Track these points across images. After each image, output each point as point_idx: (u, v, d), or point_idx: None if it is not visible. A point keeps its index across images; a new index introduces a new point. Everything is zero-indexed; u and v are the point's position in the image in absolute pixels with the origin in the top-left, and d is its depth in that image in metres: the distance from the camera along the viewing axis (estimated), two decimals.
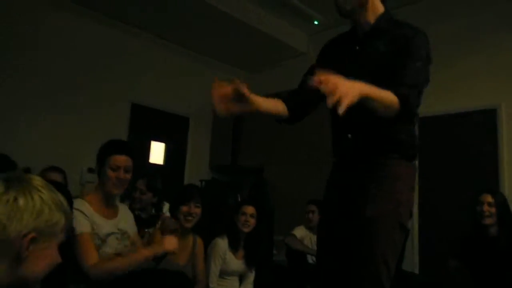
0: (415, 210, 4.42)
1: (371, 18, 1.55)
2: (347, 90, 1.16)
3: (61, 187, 1.94)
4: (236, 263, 2.86)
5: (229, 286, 2.85)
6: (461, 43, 4.41)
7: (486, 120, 4.15)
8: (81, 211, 1.80)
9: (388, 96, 1.33)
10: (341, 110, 1.13)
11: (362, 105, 1.24)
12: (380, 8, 1.58)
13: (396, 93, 1.34)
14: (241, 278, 2.95)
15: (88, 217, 1.81)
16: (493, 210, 2.66)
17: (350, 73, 1.27)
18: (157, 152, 5.60)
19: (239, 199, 5.34)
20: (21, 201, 0.89)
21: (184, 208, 2.45)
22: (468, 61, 4.33)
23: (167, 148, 5.69)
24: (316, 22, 4.93)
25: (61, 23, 4.68)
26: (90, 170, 4.62)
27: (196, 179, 5.74)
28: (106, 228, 1.88)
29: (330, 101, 1.14)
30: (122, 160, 1.91)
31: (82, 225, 1.78)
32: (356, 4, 1.51)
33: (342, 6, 1.53)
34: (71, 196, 1.81)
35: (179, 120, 5.81)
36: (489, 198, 2.69)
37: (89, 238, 1.77)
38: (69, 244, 1.71)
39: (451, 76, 4.42)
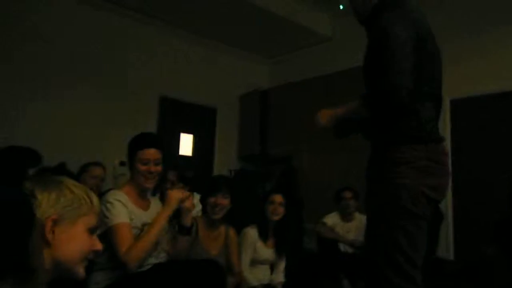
0: (450, 195, 4.31)
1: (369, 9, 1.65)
2: (320, 120, 1.66)
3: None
4: (266, 251, 2.88)
5: (261, 274, 2.87)
6: (494, 16, 4.23)
7: None
8: (119, 201, 1.84)
9: (356, 105, 1.57)
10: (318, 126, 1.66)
11: (347, 117, 1.63)
12: None
13: (366, 98, 1.54)
14: (272, 266, 2.97)
15: (126, 207, 1.86)
16: None
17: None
18: (186, 144, 5.67)
19: (268, 188, 5.36)
20: (38, 190, 0.96)
21: (212, 200, 2.48)
22: (502, 35, 4.14)
23: (195, 139, 5.76)
24: (341, 7, 4.82)
25: (89, 16, 4.79)
26: (122, 163, 4.74)
27: (225, 169, 5.80)
28: (143, 218, 1.92)
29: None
30: (151, 153, 1.94)
31: (120, 215, 1.82)
32: (366, 7, 1.65)
33: (358, 16, 1.71)
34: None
35: (206, 111, 5.86)
36: None
37: (127, 228, 1.81)
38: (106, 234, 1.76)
39: (482, 53, 4.26)
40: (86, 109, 4.70)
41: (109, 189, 3.59)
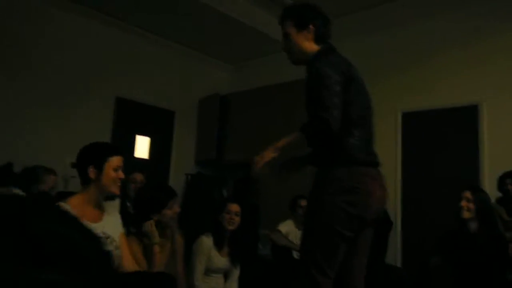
0: (399, 204, 4.49)
1: (311, 57, 1.95)
2: (261, 158, 1.82)
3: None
4: (221, 260, 2.87)
5: (214, 283, 2.86)
6: (444, 40, 4.47)
7: (468, 116, 4.22)
8: None
9: (293, 136, 1.79)
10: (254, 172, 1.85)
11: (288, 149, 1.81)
12: (315, 47, 1.97)
13: (301, 129, 1.76)
14: (226, 275, 2.96)
15: None
16: (471, 206, 2.71)
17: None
18: (142, 146, 5.56)
19: (225, 193, 5.35)
20: None
21: (169, 212, 2.46)
22: (451, 58, 4.39)
23: (152, 142, 5.65)
24: None
25: (45, 17, 4.61)
26: (74, 165, 4.58)
27: (181, 173, 5.74)
28: None
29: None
30: (120, 160, 1.95)
31: None
32: (299, 56, 2.01)
33: (291, 59, 2.07)
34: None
35: (164, 114, 5.77)
36: (468, 194, 2.74)
37: None
38: None
39: (433, 72, 4.49)
40: (38, 105, 4.50)
41: (61, 193, 3.47)
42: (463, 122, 4.27)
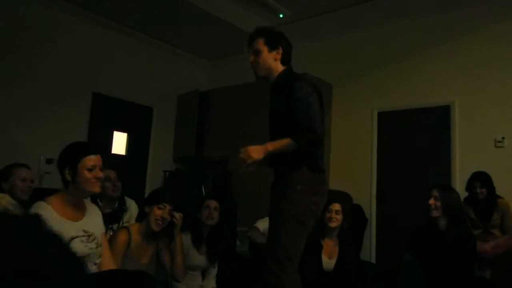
0: (373, 201, 4.60)
1: (275, 75, 2.23)
2: (252, 153, 1.89)
3: None
4: (198, 258, 2.89)
5: (192, 280, 2.88)
6: (418, 40, 4.58)
7: (441, 116, 4.35)
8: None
9: (286, 142, 1.95)
10: (244, 168, 1.94)
11: (274, 153, 1.97)
12: (281, 68, 2.23)
13: (294, 137, 1.95)
14: (204, 272, 2.98)
15: (50, 222, 1.77)
16: (438, 204, 2.78)
17: (270, 116, 2.21)
18: (119, 143, 5.50)
19: (203, 190, 5.36)
20: None
21: (157, 212, 2.48)
22: (425, 58, 4.50)
23: (129, 138, 5.60)
24: (281, 15, 4.95)
25: (20, 10, 4.49)
26: (48, 161, 4.51)
27: (159, 170, 5.71)
28: (70, 232, 1.85)
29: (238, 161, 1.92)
30: (96, 159, 1.93)
31: None
32: (266, 72, 2.24)
33: (257, 73, 2.27)
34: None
35: (142, 110, 5.72)
36: (435, 192, 2.81)
37: None
38: None
39: (408, 73, 4.59)
40: (13, 101, 4.40)
41: (36, 189, 3.41)
42: (436, 121, 4.40)
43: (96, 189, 1.95)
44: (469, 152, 4.13)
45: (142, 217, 2.58)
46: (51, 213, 1.81)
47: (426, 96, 4.44)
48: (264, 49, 2.22)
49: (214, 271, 2.99)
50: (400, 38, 4.72)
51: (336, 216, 3.02)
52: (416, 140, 4.51)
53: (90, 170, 1.90)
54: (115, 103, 5.37)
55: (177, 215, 2.60)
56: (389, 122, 4.71)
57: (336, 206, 3.05)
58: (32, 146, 4.41)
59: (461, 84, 4.26)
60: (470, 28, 4.29)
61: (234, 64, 6.10)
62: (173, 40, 5.76)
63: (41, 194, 2.08)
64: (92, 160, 1.91)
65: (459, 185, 3.83)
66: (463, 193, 3.42)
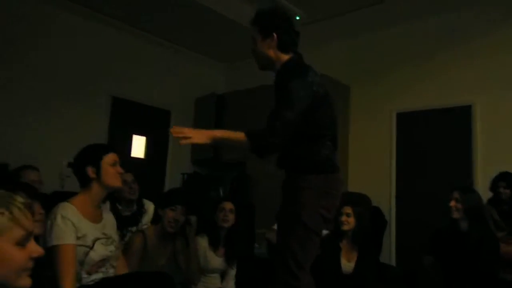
0: (393, 203, 4.54)
1: (278, 66, 2.00)
2: (196, 134, 1.77)
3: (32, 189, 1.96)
4: (216, 260, 2.90)
5: (211, 283, 2.89)
6: (438, 40, 4.51)
7: (462, 117, 4.27)
8: (68, 219, 1.78)
9: (239, 137, 1.84)
10: (182, 142, 1.75)
11: (219, 143, 1.86)
12: (284, 57, 1.99)
13: (251, 136, 1.83)
14: (223, 274, 2.99)
15: (75, 224, 1.81)
16: (459, 206, 2.74)
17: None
18: (138, 146, 5.57)
19: (222, 193, 5.38)
20: None
21: (170, 214, 2.51)
22: (445, 59, 4.43)
23: (148, 141, 5.67)
24: (297, 18, 4.94)
25: (41, 17, 4.60)
26: (70, 165, 4.59)
27: (178, 173, 5.76)
28: (94, 234, 1.88)
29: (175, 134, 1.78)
30: (115, 156, 2.00)
31: (66, 236, 1.76)
32: (264, 63, 2.04)
33: (258, 65, 2.09)
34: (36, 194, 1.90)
35: (160, 113, 5.79)
36: (457, 195, 2.77)
37: (71, 251, 1.76)
38: (47, 251, 1.69)
39: (428, 73, 4.53)
40: (34, 105, 4.50)
41: (57, 192, 3.48)
42: (456, 122, 4.32)
43: (119, 183, 2.01)
44: (491, 153, 4.04)
45: (157, 219, 2.61)
46: (76, 214, 1.84)
47: (446, 97, 4.37)
48: (258, 37, 2.00)
49: (232, 272, 3.00)
50: (417, 39, 4.66)
51: (347, 219, 2.97)
52: (436, 141, 4.44)
53: (112, 165, 1.97)
54: (134, 106, 5.45)
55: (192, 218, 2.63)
56: (408, 123, 4.65)
57: (347, 209, 2.98)
58: (54, 150, 4.50)
59: (482, 83, 4.18)
60: (492, 29, 4.20)
61: (250, 67, 6.03)
62: (190, 43, 5.82)
63: (63, 197, 2.12)
64: (113, 156, 1.99)
65: (482, 186, 3.75)
66: (485, 195, 3.35)
